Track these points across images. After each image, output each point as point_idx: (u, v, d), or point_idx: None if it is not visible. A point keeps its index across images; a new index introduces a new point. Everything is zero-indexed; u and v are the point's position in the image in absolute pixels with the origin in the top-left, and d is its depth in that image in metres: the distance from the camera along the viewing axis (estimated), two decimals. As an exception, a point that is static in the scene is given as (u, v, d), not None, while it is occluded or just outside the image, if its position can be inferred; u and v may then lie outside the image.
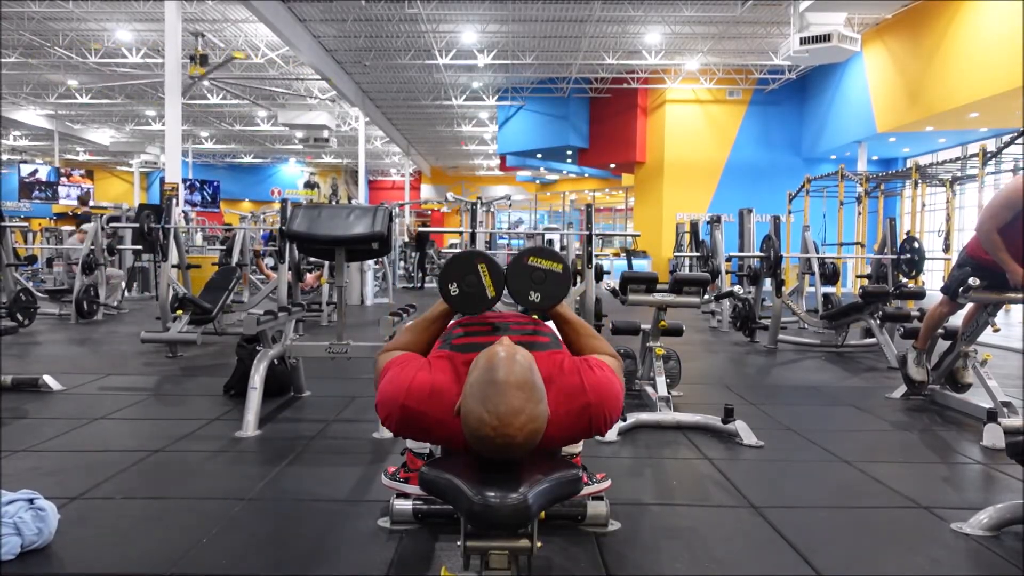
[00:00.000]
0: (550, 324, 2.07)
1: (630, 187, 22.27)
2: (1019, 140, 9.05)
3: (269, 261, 10.55)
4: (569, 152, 20.73)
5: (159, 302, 6.38)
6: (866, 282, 7.81)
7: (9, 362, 5.14)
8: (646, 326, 4.13)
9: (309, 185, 27.30)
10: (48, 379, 4.32)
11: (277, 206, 10.97)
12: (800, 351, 6.65)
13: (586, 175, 26.05)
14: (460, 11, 13.43)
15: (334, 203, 17.42)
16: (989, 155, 9.58)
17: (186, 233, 10.43)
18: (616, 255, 16.41)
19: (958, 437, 3.61)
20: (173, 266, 6.71)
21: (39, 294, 8.63)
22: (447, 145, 27.63)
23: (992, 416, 3.45)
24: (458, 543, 1.59)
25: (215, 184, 22.18)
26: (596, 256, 6.03)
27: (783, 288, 6.76)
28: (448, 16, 13.71)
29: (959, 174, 11.04)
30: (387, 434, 3.30)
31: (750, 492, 2.68)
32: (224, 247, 10.54)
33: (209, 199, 21.49)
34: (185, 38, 11.33)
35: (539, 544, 1.58)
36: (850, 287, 12.66)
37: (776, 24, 13.61)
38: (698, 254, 10.19)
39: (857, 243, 10.92)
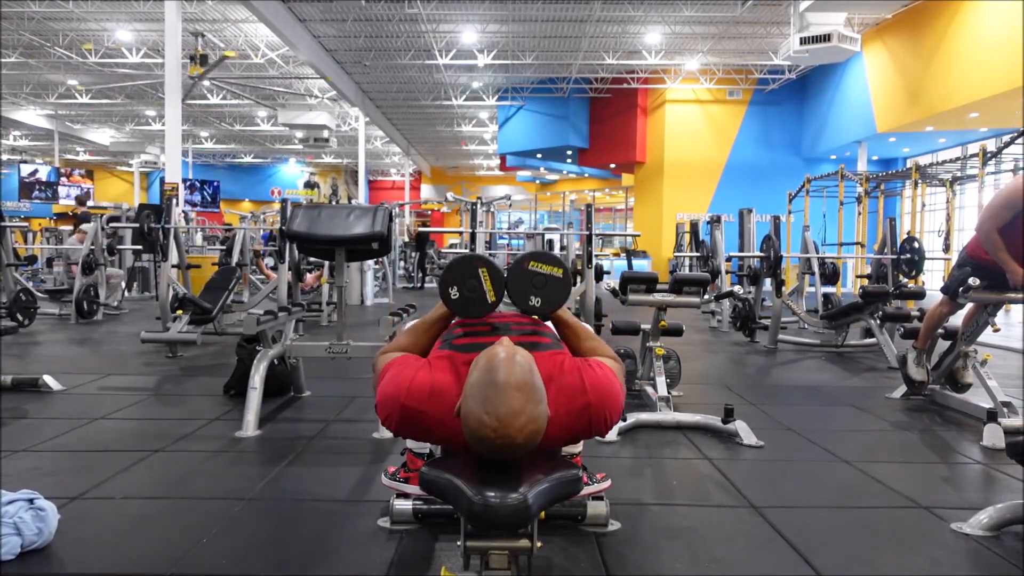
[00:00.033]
0: (550, 324, 2.07)
1: (630, 187, 22.28)
2: (1019, 140, 9.05)
3: (269, 261, 10.55)
4: (569, 152, 20.73)
5: (159, 302, 6.38)
6: (866, 282, 7.81)
7: (9, 362, 5.14)
8: (646, 326, 4.13)
9: (309, 185, 27.32)
10: (48, 379, 4.32)
11: (277, 206, 10.97)
12: (800, 351, 6.65)
13: (586, 175, 26.06)
14: (460, 11, 13.43)
15: (334, 203, 17.43)
16: (989, 155, 9.58)
17: (186, 233, 10.43)
18: (616, 255, 16.41)
19: (958, 437, 3.61)
20: (173, 266, 6.71)
21: (39, 294, 8.63)
22: (447, 145, 27.63)
23: (992, 416, 3.45)
24: (458, 543, 1.59)
25: (215, 184, 22.18)
26: (596, 256, 6.04)
27: (783, 288, 6.76)
28: (448, 16, 13.71)
29: (959, 174, 11.04)
30: (387, 434, 3.30)
31: (750, 492, 2.68)
32: (224, 247, 10.54)
33: (209, 199, 21.49)
34: (185, 38, 11.33)
35: (539, 544, 1.58)
36: (850, 287, 12.66)
37: (776, 24, 13.62)
38: (698, 254, 10.19)
39: (857, 243, 10.92)
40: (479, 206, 7.22)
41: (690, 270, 11.25)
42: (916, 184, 11.64)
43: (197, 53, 12.60)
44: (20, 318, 7.09)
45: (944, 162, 10.89)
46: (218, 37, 14.96)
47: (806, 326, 7.76)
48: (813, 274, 8.21)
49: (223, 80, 16.32)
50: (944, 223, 10.09)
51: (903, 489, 2.76)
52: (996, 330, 3.97)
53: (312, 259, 8.76)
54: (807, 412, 4.18)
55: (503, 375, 1.52)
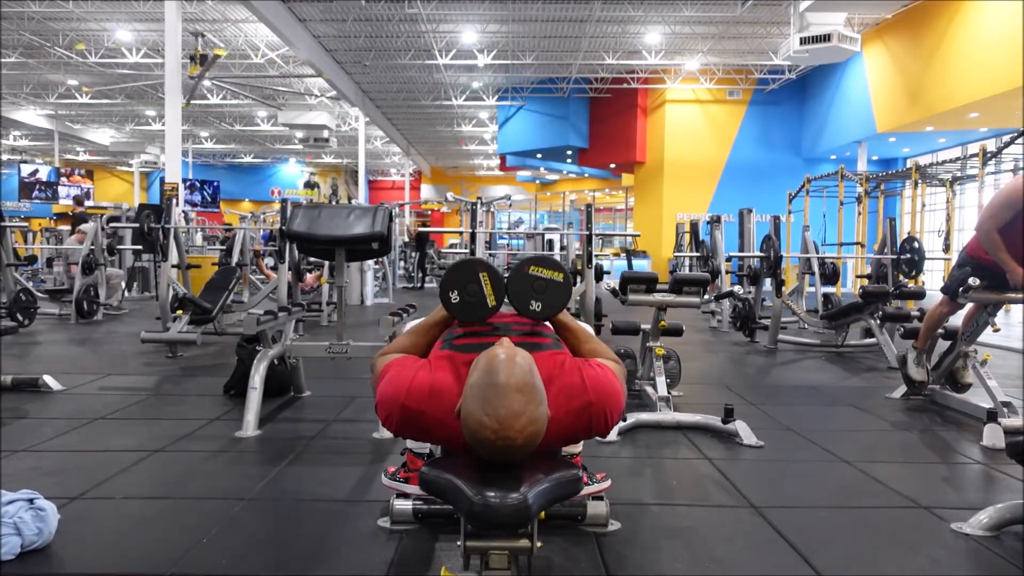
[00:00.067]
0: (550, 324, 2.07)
1: (630, 187, 22.28)
2: (1019, 140, 9.05)
3: (269, 261, 10.55)
4: (569, 152, 20.73)
5: (159, 302, 6.38)
6: (866, 282, 7.81)
7: (9, 362, 5.14)
8: (646, 326, 4.13)
9: (309, 185, 27.32)
10: (48, 379, 4.32)
11: (277, 206, 10.97)
12: (800, 351, 6.65)
13: (586, 175, 26.06)
14: (460, 11, 13.43)
15: (334, 203, 17.43)
16: (989, 155, 9.58)
17: (186, 233, 10.44)
18: (616, 255, 16.42)
19: (958, 437, 3.61)
20: (173, 266, 6.71)
21: (39, 294, 8.62)
22: (447, 145, 27.64)
23: (992, 416, 3.45)
24: (458, 543, 1.59)
25: (215, 184, 22.19)
26: (596, 256, 6.04)
27: (783, 288, 6.76)
28: (448, 16, 13.71)
29: (959, 174, 11.04)
30: (387, 434, 3.30)
31: (750, 492, 2.68)
32: (224, 247, 10.54)
33: (209, 199, 21.50)
34: (185, 38, 11.33)
35: (539, 544, 1.58)
36: (850, 287, 12.66)
37: (776, 24, 13.62)
38: (698, 254, 10.19)
39: (857, 243, 10.92)
40: (479, 206, 7.22)
41: (690, 270, 11.25)
42: (916, 184, 11.64)
43: (197, 53, 12.59)
44: (20, 318, 7.09)
45: (944, 162, 10.89)
46: (218, 37, 14.96)
47: (806, 326, 7.76)
48: (813, 274, 8.21)
49: (223, 80, 16.31)
50: (944, 223, 10.09)
51: (903, 489, 2.76)
52: (996, 330, 3.97)
53: (312, 259, 8.75)
54: (807, 412, 4.18)
55: (503, 376, 1.52)
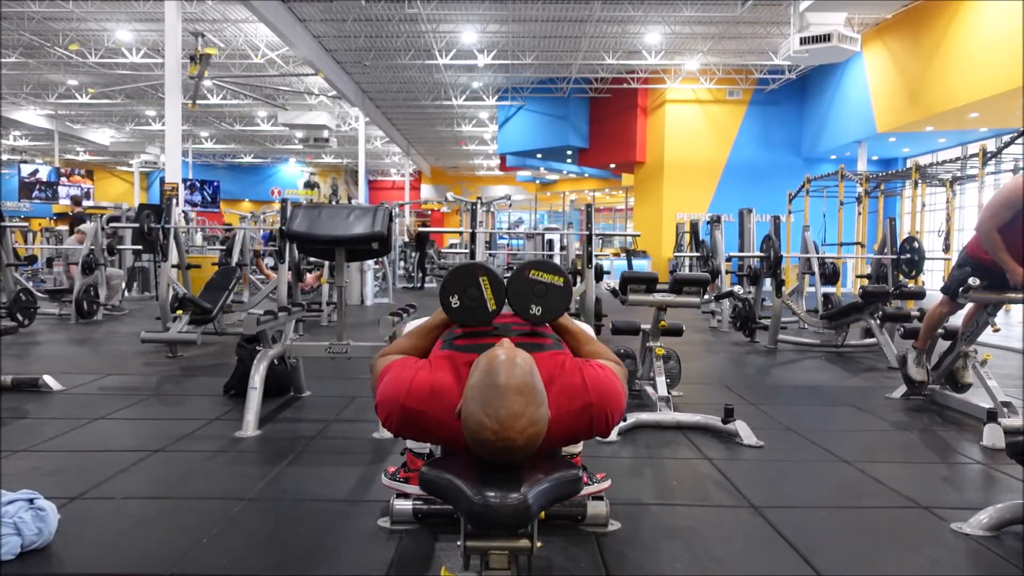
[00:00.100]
0: (550, 324, 2.08)
1: (630, 187, 22.28)
2: (1019, 140, 9.05)
3: (269, 261, 10.55)
4: (569, 152, 20.73)
5: (159, 302, 6.38)
6: (866, 282, 7.81)
7: (9, 362, 5.14)
8: (646, 326, 4.13)
9: (309, 185, 27.31)
10: (48, 379, 4.32)
11: (277, 206, 10.97)
12: (800, 351, 6.65)
13: (586, 175, 26.06)
14: (460, 11, 13.43)
15: (334, 203, 17.42)
16: (989, 155, 9.58)
17: (186, 233, 10.44)
18: (616, 255, 16.42)
19: (958, 437, 3.61)
20: (173, 266, 6.71)
21: (39, 294, 8.63)
22: (447, 145, 27.64)
23: (992, 416, 3.45)
24: (458, 543, 1.59)
25: (215, 184, 22.18)
26: (596, 256, 6.04)
27: (783, 288, 6.76)
28: (448, 16, 13.71)
29: (959, 174, 11.04)
30: (387, 434, 3.30)
31: (750, 492, 2.68)
32: (224, 247, 10.54)
33: (209, 199, 21.49)
34: (185, 38, 11.33)
35: (539, 544, 1.58)
36: (850, 287, 12.66)
37: (776, 24, 13.62)
38: (698, 254, 10.19)
39: (857, 243, 10.92)
40: (479, 206, 7.22)
41: (690, 270, 11.25)
42: (916, 184, 11.64)
43: (197, 53, 12.59)
44: (20, 318, 7.09)
45: (944, 162, 10.89)
46: (218, 37, 14.97)
47: (806, 326, 7.76)
48: (813, 274, 8.21)
49: (224, 80, 16.30)
50: (944, 223, 10.09)
51: (903, 489, 2.76)
52: (996, 330, 3.97)
53: (312, 259, 8.76)
54: (807, 412, 4.18)
55: (504, 377, 1.52)
